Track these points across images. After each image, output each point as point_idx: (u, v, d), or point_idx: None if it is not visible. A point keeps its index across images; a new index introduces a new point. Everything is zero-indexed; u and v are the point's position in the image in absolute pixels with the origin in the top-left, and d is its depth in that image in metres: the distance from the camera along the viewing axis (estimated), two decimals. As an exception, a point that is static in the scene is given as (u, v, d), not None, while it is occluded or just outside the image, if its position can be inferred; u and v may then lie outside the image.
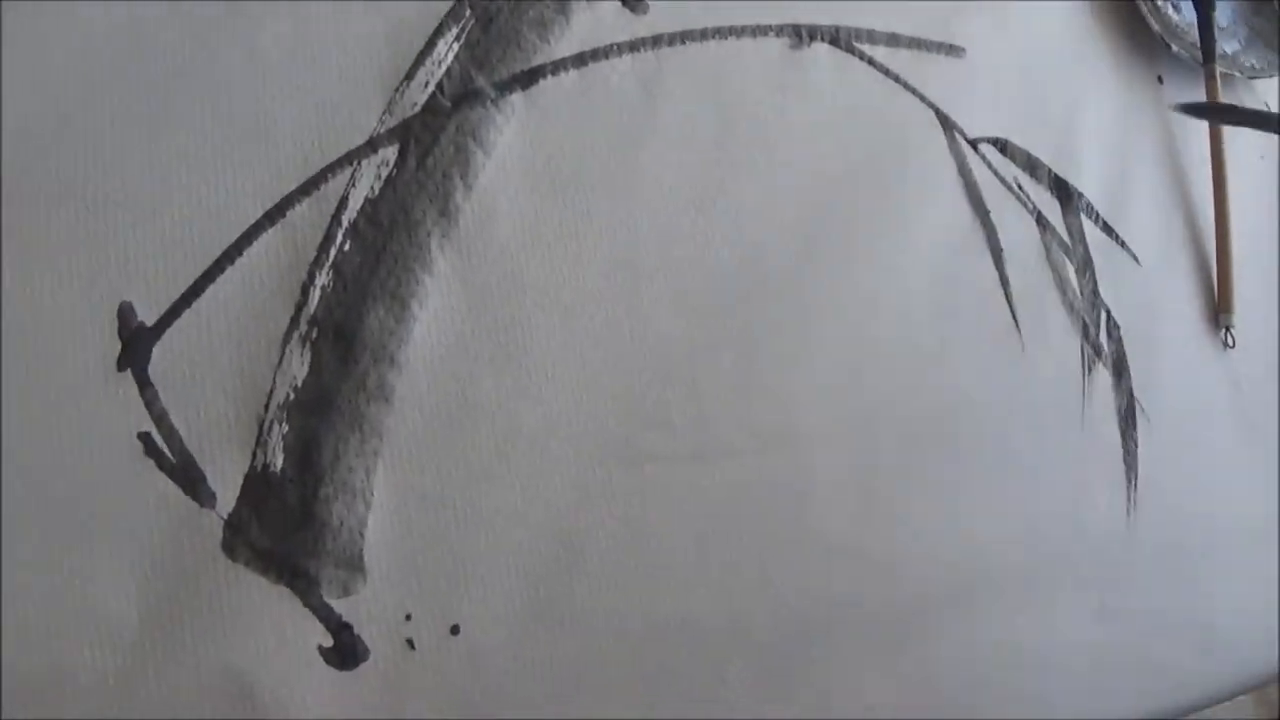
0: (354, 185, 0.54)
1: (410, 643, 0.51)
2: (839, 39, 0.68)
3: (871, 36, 0.69)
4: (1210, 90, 0.82)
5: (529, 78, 0.59)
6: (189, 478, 0.49)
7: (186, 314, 0.50)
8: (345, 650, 0.50)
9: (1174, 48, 0.82)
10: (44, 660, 0.45)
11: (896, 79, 0.69)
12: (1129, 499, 0.72)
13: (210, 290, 0.51)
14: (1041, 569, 0.68)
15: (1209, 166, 0.81)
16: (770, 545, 0.60)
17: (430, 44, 0.57)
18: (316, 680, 0.49)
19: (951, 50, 0.72)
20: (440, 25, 0.58)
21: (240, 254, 0.51)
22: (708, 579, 0.58)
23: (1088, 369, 0.72)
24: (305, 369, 0.52)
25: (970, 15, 0.74)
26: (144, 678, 0.47)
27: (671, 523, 0.58)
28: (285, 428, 0.51)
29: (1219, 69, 0.82)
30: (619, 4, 0.63)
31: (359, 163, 0.54)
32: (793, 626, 0.60)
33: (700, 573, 0.58)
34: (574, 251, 0.59)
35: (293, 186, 0.53)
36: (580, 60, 0.61)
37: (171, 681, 0.47)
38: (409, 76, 0.56)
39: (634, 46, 0.62)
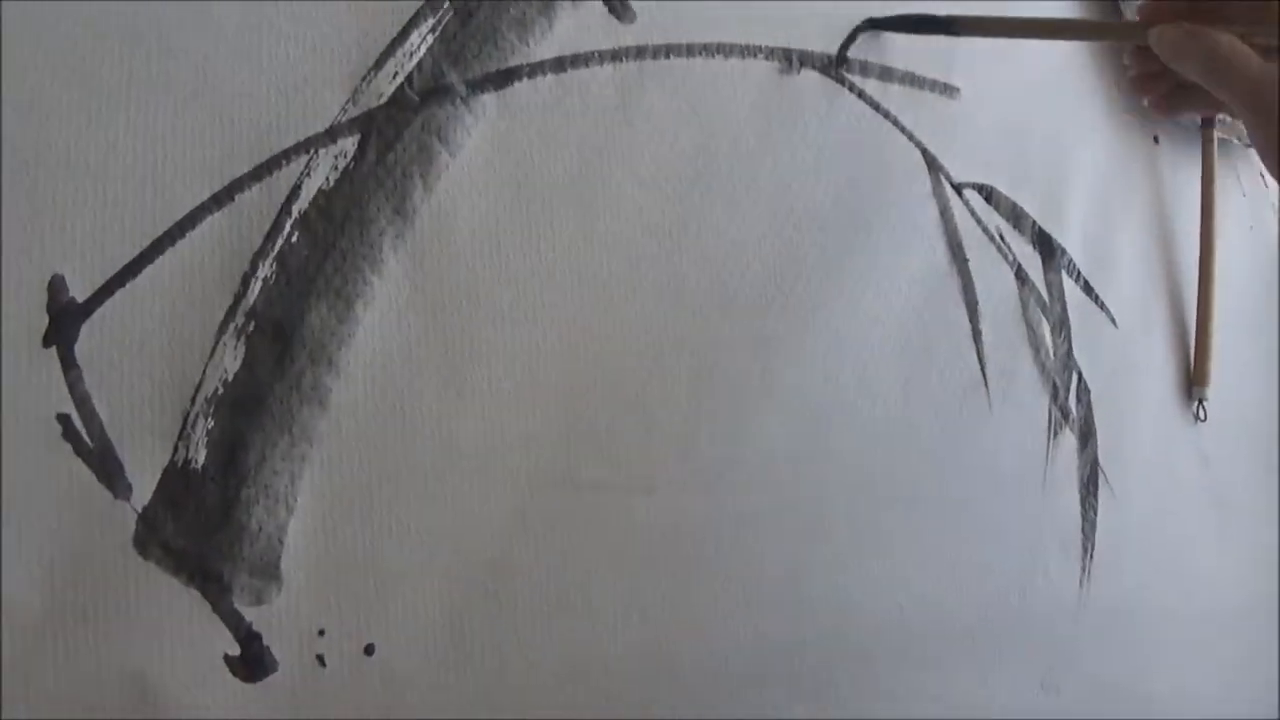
0: (308, 174, 0.51)
1: (320, 659, 0.49)
2: (830, 68, 0.66)
3: (865, 68, 0.67)
4: (1206, 154, 0.81)
5: (504, 78, 0.57)
6: (106, 467, 0.46)
7: (120, 293, 0.47)
8: (252, 661, 0.47)
9: (1172, 107, 0.80)
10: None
11: (886, 114, 0.67)
12: (1083, 569, 0.70)
13: (148, 271, 0.48)
14: (988, 632, 0.67)
15: (1198, 232, 0.80)
16: (706, 586, 0.58)
17: (404, 32, 0.55)
18: (221, 689, 0.47)
19: (946, 90, 0.70)
20: (416, 14, 0.55)
21: (182, 235, 0.48)
22: (638, 617, 0.56)
23: (1054, 432, 0.71)
24: (238, 363, 0.49)
25: (968, 57, 0.72)
26: (42, 668, 0.44)
27: (605, 556, 0.56)
28: (211, 423, 0.48)
29: (1217, 134, 0.81)
30: (605, 10, 0.60)
31: (316, 151, 0.52)
32: (724, 671, 0.58)
33: (631, 611, 0.56)
34: (533, 265, 0.56)
35: (244, 169, 0.50)
36: (559, 65, 0.58)
37: (70, 675, 0.45)
38: (378, 65, 0.54)
39: (616, 56, 0.60)
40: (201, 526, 0.48)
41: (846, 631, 0.62)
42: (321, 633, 0.49)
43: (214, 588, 0.47)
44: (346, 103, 0.53)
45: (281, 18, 0.53)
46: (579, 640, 0.55)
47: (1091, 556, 0.72)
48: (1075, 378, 0.74)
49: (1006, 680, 0.68)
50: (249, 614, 0.48)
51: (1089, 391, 0.74)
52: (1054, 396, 0.72)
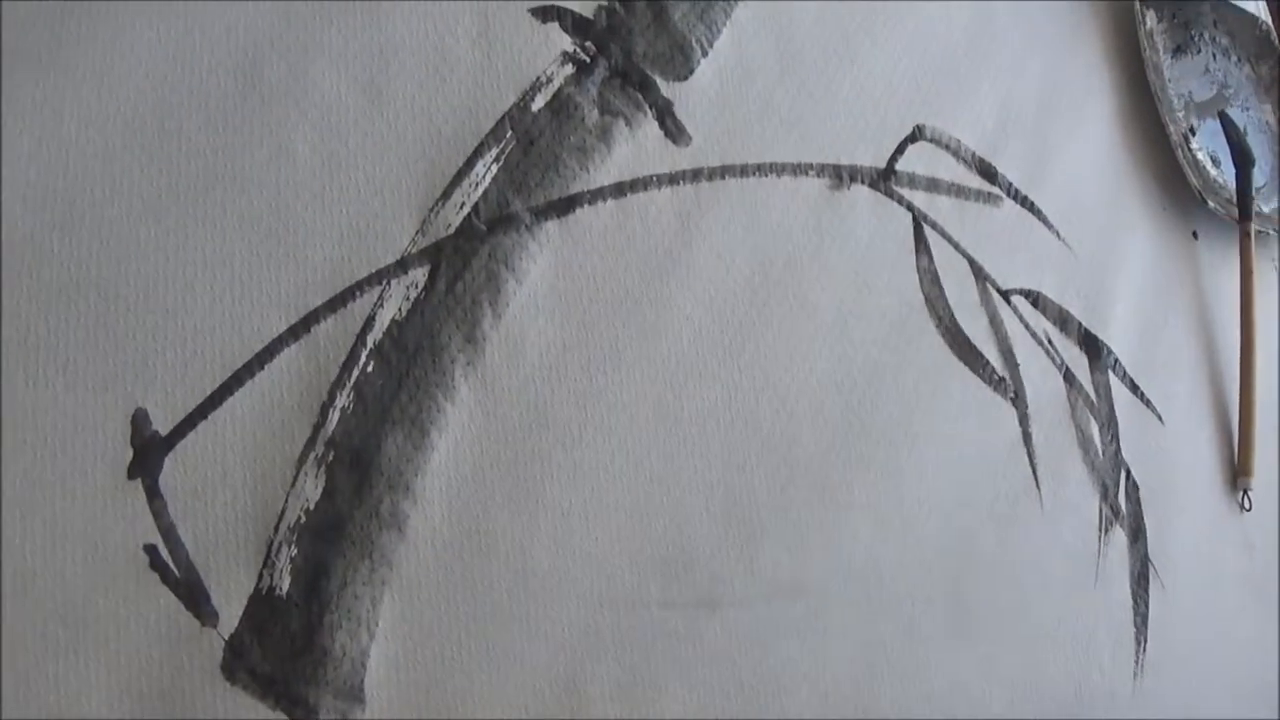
0: (381, 305, 0.53)
1: (405, 779, 0.50)
2: (879, 181, 0.68)
3: (913, 180, 0.69)
4: (1244, 248, 0.82)
5: (566, 205, 0.59)
6: (192, 595, 0.47)
7: (202, 425, 0.49)
8: (336, 785, 0.49)
9: (1210, 204, 0.82)
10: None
11: (934, 225, 0.69)
12: (1138, 661, 0.71)
13: (228, 402, 0.50)
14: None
15: (1238, 325, 0.82)
16: (774, 698, 0.59)
17: (469, 163, 0.57)
18: (303, 814, 0.48)
19: (989, 199, 0.72)
20: (480, 144, 0.58)
21: (261, 368, 0.51)
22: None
23: (1105, 529, 0.72)
24: (319, 492, 0.51)
25: (1008, 162, 0.74)
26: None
27: (675, 672, 0.56)
28: (294, 550, 0.50)
29: (1254, 227, 0.82)
30: (661, 134, 0.62)
31: (388, 282, 0.54)
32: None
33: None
34: (599, 388, 0.58)
35: (319, 301, 0.52)
36: (619, 190, 0.60)
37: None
38: (445, 196, 0.56)
39: (673, 180, 0.62)
40: (287, 651, 0.49)
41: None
42: (404, 754, 0.50)
43: (300, 711, 0.49)
44: (416, 234, 0.55)
45: (352, 153, 0.55)
46: (651, 757, 0.56)
47: (1145, 650, 0.73)
48: (1124, 475, 0.74)
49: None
50: (332, 737, 0.49)
51: (1138, 488, 0.75)
52: (1104, 495, 0.73)
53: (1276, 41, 0.91)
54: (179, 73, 0.53)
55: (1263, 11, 0.94)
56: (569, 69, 0.61)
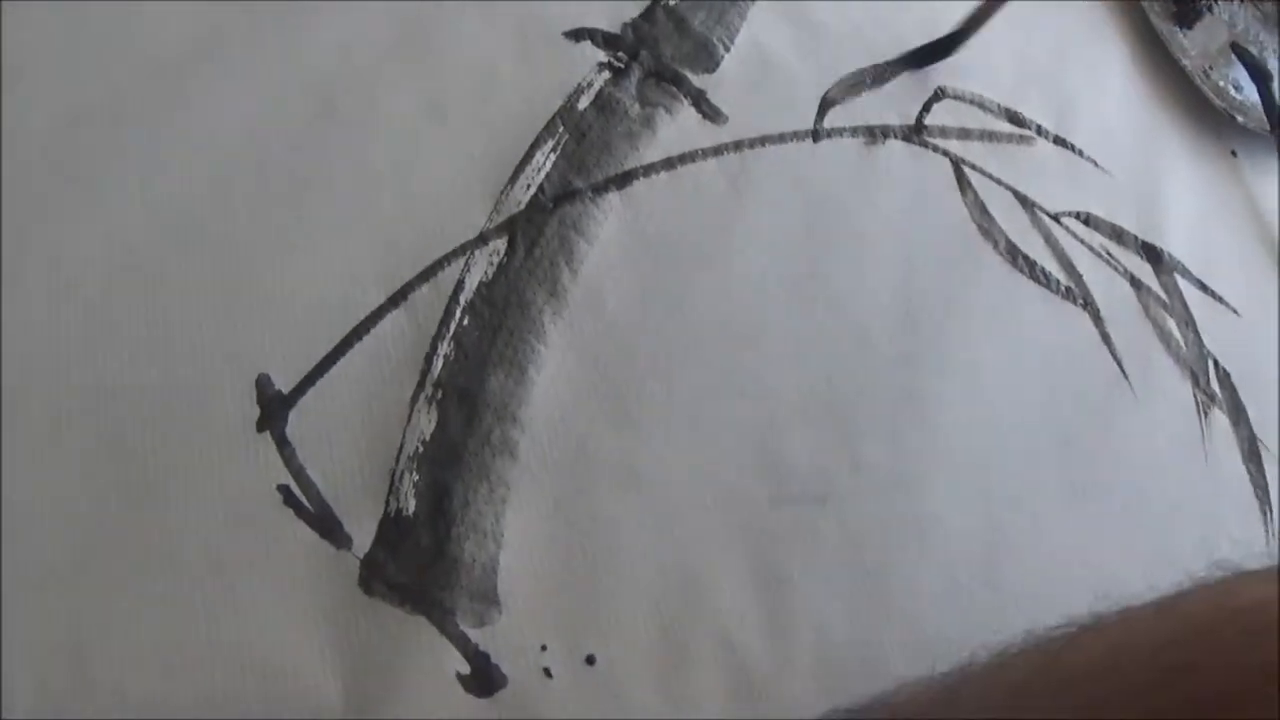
0: (468, 271, 0.59)
1: (547, 671, 0.51)
2: (911, 135, 0.73)
3: (944, 132, 0.74)
4: None
5: (623, 179, 0.64)
6: (326, 525, 0.51)
7: (320, 382, 0.54)
8: (483, 677, 0.50)
9: (1240, 119, 0.85)
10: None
11: (973, 166, 0.73)
12: (1267, 529, 0.70)
13: (341, 362, 0.55)
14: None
15: None
16: (897, 581, 0.60)
17: (529, 155, 0.63)
18: (455, 705, 0.50)
19: (1021, 140, 0.76)
20: (537, 139, 0.64)
21: (367, 332, 0.56)
22: (830, 620, 0.58)
23: (1203, 413, 0.72)
24: (433, 426, 0.55)
25: (1032, 109, 0.78)
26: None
27: (795, 563, 0.58)
28: (416, 477, 0.53)
29: None
30: (698, 116, 0.69)
31: (472, 252, 0.59)
32: (925, 661, 0.59)
33: (821, 615, 0.58)
34: (679, 322, 0.62)
35: (412, 274, 0.58)
36: (669, 164, 0.66)
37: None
38: (512, 181, 0.62)
39: (718, 151, 0.67)
40: (420, 563, 0.52)
41: (1043, 617, 0.62)
42: (544, 648, 0.52)
43: (438, 613, 0.51)
44: (491, 213, 0.61)
45: (424, 160, 0.61)
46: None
47: (1272, 517, 0.72)
48: (1212, 364, 0.75)
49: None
50: (474, 636, 0.51)
51: (1229, 374, 0.75)
52: (1195, 382, 0.74)
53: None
54: (264, 112, 0.60)
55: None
56: (606, 74, 0.67)
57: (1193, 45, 0.88)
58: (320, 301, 0.56)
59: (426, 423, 0.55)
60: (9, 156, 0.54)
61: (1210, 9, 0.89)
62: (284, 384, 0.54)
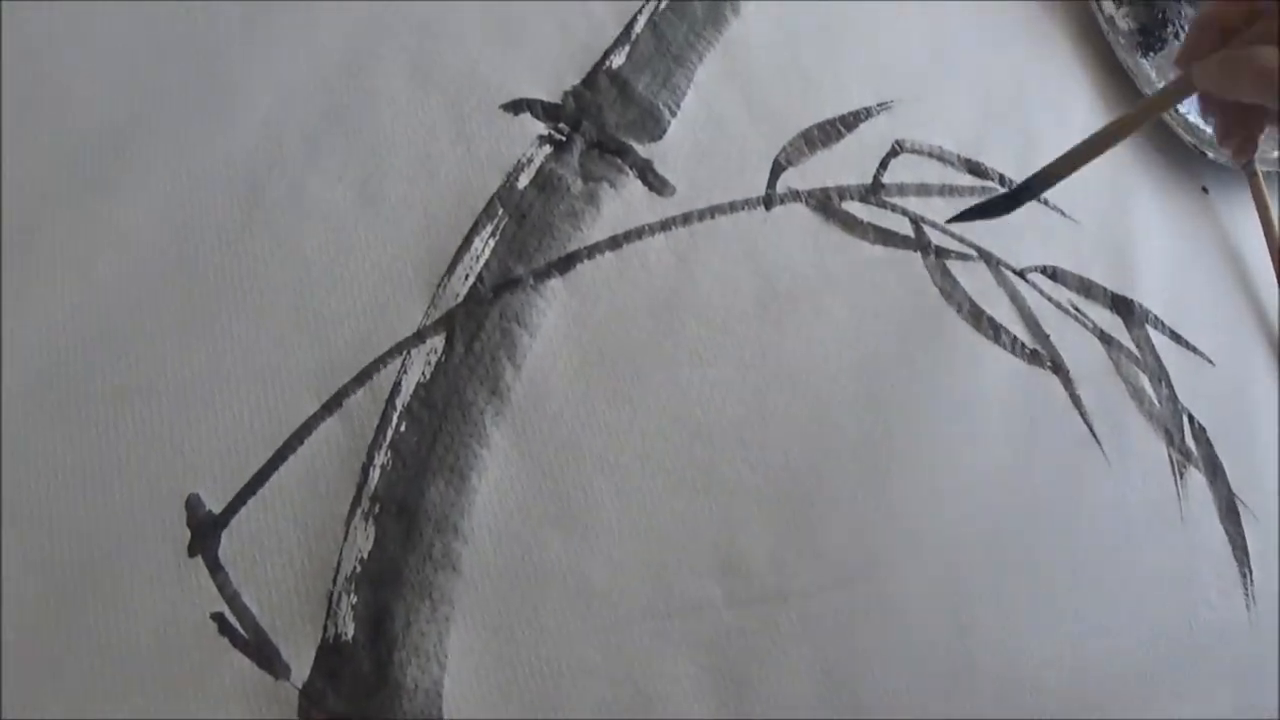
0: (405, 372, 0.57)
1: (496, 799, 0.50)
2: (869, 195, 0.71)
3: (902, 189, 0.72)
4: (1255, 187, 0.83)
5: (566, 263, 0.62)
6: (263, 653, 0.49)
7: (252, 501, 0.52)
8: (433, 812, 0.49)
9: (1210, 154, 0.83)
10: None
11: (932, 224, 0.71)
12: (1246, 592, 0.69)
13: (274, 478, 0.53)
14: (1165, 670, 0.65)
15: (1269, 261, 0.82)
16: (865, 673, 0.58)
17: (467, 240, 0.61)
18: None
19: (983, 192, 0.74)
20: (475, 223, 0.61)
21: (300, 443, 0.54)
22: (797, 713, 0.56)
23: (1179, 473, 0.71)
24: (370, 543, 0.53)
25: (995, 155, 0.76)
26: None
27: (753, 665, 0.56)
28: (354, 598, 0.52)
29: (1260, 168, 0.83)
30: (644, 189, 0.66)
31: (408, 352, 0.57)
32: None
33: (789, 709, 0.56)
34: (628, 417, 0.60)
35: (346, 378, 0.56)
36: (614, 243, 0.64)
37: None
38: (450, 270, 0.60)
39: (665, 225, 0.65)
40: (362, 691, 0.50)
41: (1020, 695, 0.61)
42: (492, 774, 0.51)
43: (384, 743, 0.50)
44: (428, 307, 0.58)
45: (357, 247, 0.59)
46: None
47: (1251, 580, 0.70)
48: (1187, 420, 0.74)
49: (1198, 712, 0.66)
50: (419, 767, 0.50)
51: (1204, 430, 0.73)
52: (1170, 440, 0.72)
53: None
54: (190, 201, 0.58)
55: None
56: (547, 148, 0.65)
57: (1159, 78, 0.85)
58: (252, 410, 0.54)
59: (364, 539, 0.53)
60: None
61: (1177, 36, 0.87)
62: (215, 503, 0.52)
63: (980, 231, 0.72)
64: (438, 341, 0.58)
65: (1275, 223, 0.81)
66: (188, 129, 0.60)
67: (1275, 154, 0.87)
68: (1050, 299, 0.72)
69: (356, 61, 0.65)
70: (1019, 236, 0.74)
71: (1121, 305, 0.75)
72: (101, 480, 0.51)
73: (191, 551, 0.51)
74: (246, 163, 0.60)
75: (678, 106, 0.70)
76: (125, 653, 0.48)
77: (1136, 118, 0.65)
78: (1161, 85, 0.85)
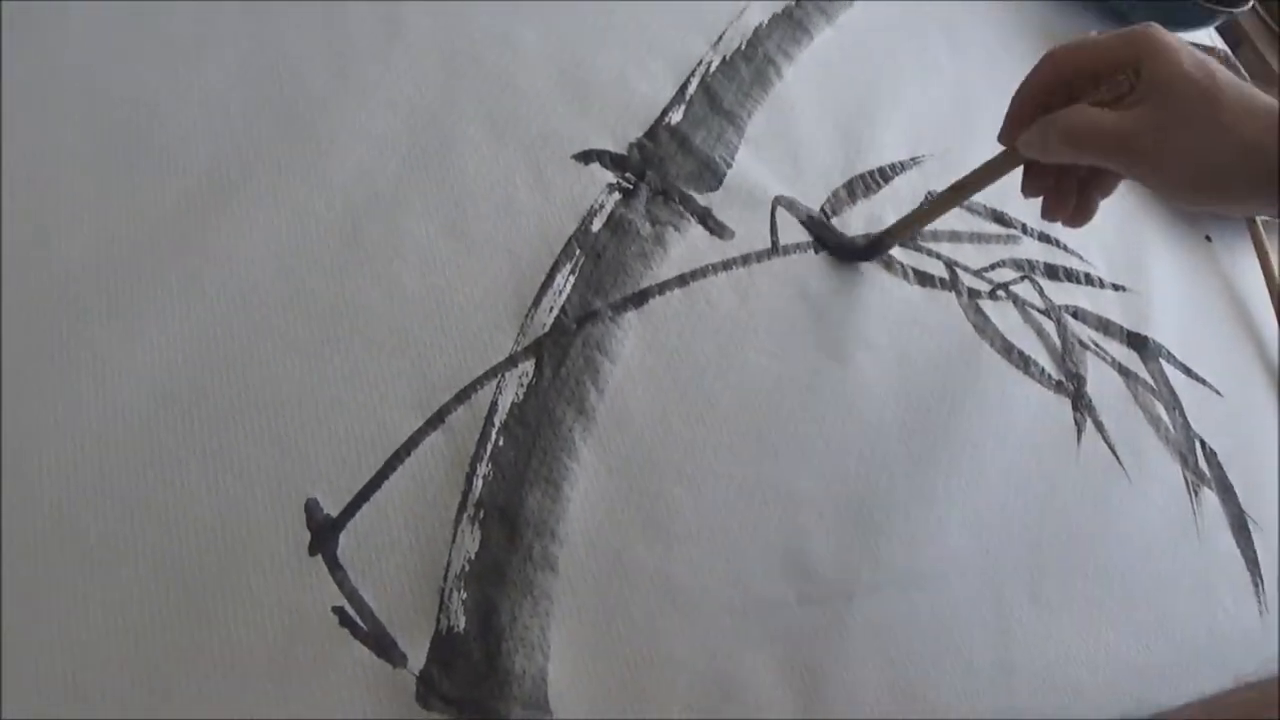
0: (500, 392, 0.62)
1: (599, 773, 0.55)
2: (906, 241, 0.77)
3: (935, 236, 0.78)
4: (1255, 235, 0.90)
5: (640, 298, 0.68)
6: (381, 643, 0.53)
7: (366, 506, 0.56)
8: (537, 785, 0.54)
9: (1209, 208, 0.88)
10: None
11: (965, 268, 0.78)
12: (1259, 599, 0.75)
13: (385, 485, 0.57)
14: (1188, 673, 0.70)
15: (1270, 304, 0.90)
16: (919, 669, 0.63)
17: (549, 277, 0.66)
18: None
19: (1008, 240, 0.81)
20: (555, 262, 0.67)
21: (409, 454, 0.58)
22: (860, 708, 0.61)
23: (1193, 492, 0.77)
24: (477, 545, 0.57)
25: (1016, 199, 0.79)
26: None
27: (826, 656, 0.61)
28: (464, 594, 0.56)
29: (1259, 216, 0.90)
30: (706, 233, 0.72)
31: (503, 374, 0.62)
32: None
33: (852, 703, 0.61)
34: (702, 435, 0.65)
35: (447, 397, 0.61)
36: (682, 281, 0.70)
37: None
38: (535, 304, 0.65)
39: (727, 265, 0.71)
40: (473, 677, 0.54)
41: (1056, 696, 0.66)
42: (593, 752, 0.55)
43: (495, 722, 0.54)
44: (518, 335, 0.64)
45: (450, 282, 0.65)
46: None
47: (1263, 587, 0.76)
48: (1199, 445, 0.80)
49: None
50: (528, 746, 0.54)
51: (1215, 453, 0.80)
52: (1185, 463, 0.78)
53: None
54: (294, 239, 0.63)
55: (1217, 40, 1.04)
56: (616, 195, 0.71)
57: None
58: (361, 425, 0.59)
59: (471, 541, 0.57)
60: (47, 280, 0.57)
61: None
62: (332, 508, 0.56)
63: (1007, 275, 0.79)
64: (528, 366, 0.63)
65: (1274, 267, 0.88)
66: (291, 170, 0.65)
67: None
68: (1073, 334, 0.79)
69: (438, 112, 0.71)
70: (1042, 278, 0.81)
71: (1136, 341, 0.81)
72: (225, 486, 0.55)
73: (312, 551, 0.55)
74: (345, 203, 0.65)
75: (732, 159, 0.76)
76: (254, 643, 0.52)
77: (967, 188, 0.68)
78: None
